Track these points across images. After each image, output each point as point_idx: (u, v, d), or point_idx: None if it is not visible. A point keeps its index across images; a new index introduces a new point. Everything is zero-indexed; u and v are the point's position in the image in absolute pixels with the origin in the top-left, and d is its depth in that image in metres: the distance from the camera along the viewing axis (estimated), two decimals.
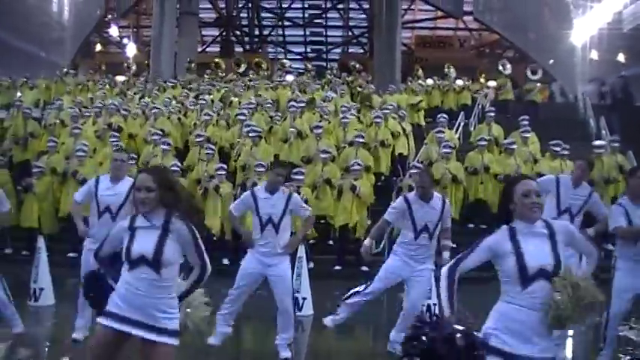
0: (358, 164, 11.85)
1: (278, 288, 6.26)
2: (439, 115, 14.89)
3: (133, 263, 3.72)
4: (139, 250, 3.72)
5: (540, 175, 11.67)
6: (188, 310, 3.86)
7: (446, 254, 6.41)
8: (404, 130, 14.59)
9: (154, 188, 3.74)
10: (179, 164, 11.99)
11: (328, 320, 6.49)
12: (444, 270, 3.80)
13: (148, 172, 3.87)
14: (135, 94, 18.29)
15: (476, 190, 12.79)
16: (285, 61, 22.77)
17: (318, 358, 7.04)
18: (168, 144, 12.83)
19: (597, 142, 13.06)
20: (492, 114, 14.78)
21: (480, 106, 18.08)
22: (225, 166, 12.25)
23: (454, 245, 11.76)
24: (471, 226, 12.64)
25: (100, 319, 3.76)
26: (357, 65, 21.80)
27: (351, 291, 6.47)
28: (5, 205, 6.97)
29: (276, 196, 6.36)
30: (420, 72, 20.21)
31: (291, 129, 13.62)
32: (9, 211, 7.33)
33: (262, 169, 11.30)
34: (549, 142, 12.86)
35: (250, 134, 12.87)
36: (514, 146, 12.81)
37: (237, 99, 16.77)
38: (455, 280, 3.75)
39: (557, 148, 12.35)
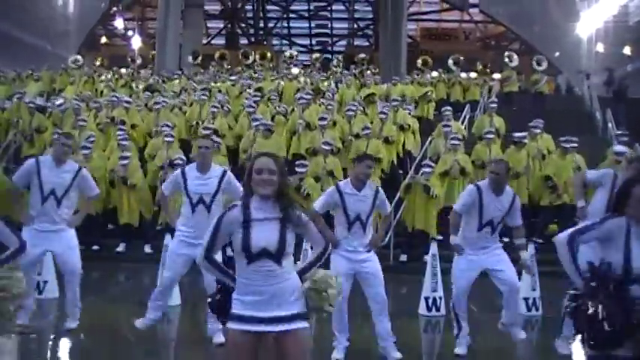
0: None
1: (374, 284, 5.96)
2: (444, 108, 14.79)
3: (253, 257, 3.58)
4: (260, 244, 3.58)
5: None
6: (310, 287, 3.70)
7: (524, 254, 6.27)
8: (409, 126, 14.53)
9: (276, 172, 3.65)
10: (183, 157, 11.95)
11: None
12: (564, 241, 3.84)
13: (268, 155, 3.75)
14: (139, 85, 18.26)
15: None
16: (292, 52, 22.66)
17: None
18: (172, 136, 12.78)
19: (618, 148, 11.76)
20: (494, 105, 14.67)
21: (484, 99, 18.01)
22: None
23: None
24: None
25: (232, 325, 3.61)
26: (364, 56, 21.72)
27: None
28: (94, 189, 6.78)
29: (364, 191, 5.98)
30: (429, 63, 20.12)
31: (300, 121, 13.59)
32: (99, 196, 7.31)
33: None
34: (555, 135, 12.80)
35: (261, 128, 12.85)
36: (525, 140, 12.40)
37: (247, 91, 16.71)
38: (575, 250, 3.83)
39: (567, 145, 12.08)
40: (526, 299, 8.23)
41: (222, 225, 3.68)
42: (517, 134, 12.57)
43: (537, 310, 8.25)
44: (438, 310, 8.13)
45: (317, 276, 3.70)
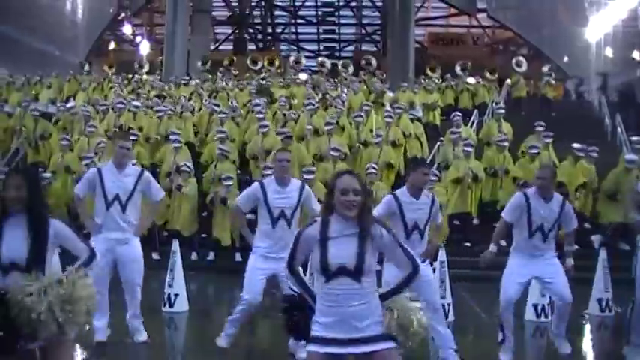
0: (374, 168, 11.74)
1: (429, 292, 5.84)
2: (453, 114, 14.75)
3: (331, 275, 3.48)
4: (338, 260, 3.47)
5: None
6: (395, 311, 3.61)
7: (569, 261, 6.14)
8: (425, 128, 14.53)
9: (360, 192, 3.53)
10: (188, 165, 11.92)
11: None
12: None
13: (351, 174, 3.64)
14: (148, 91, 18.30)
15: (492, 192, 12.65)
16: (298, 56, 22.68)
17: None
18: (179, 142, 12.78)
19: (629, 157, 11.96)
20: (502, 110, 14.65)
21: (493, 104, 17.95)
22: (232, 176, 11.93)
23: (469, 244, 11.89)
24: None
25: (313, 347, 3.50)
26: (373, 61, 21.71)
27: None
28: (159, 193, 6.58)
29: (422, 199, 5.94)
30: (431, 73, 20.12)
31: (308, 127, 13.56)
32: (163, 201, 7.12)
33: (270, 172, 11.45)
34: (563, 140, 12.74)
35: (280, 137, 12.78)
36: (537, 151, 12.35)
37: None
38: None
39: (580, 154, 12.01)
40: (535, 305, 8.21)
41: (301, 240, 3.61)
42: (530, 146, 12.56)
43: (547, 316, 8.21)
44: (447, 317, 8.08)
45: (399, 304, 3.62)
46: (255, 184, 6.20)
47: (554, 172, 6.36)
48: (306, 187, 6.27)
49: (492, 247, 6.16)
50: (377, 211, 5.87)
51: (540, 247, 6.02)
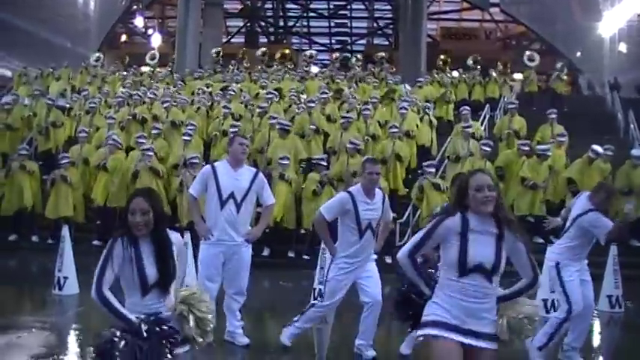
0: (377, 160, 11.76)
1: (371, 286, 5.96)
2: (462, 108, 14.78)
3: (466, 271, 3.50)
4: (477, 259, 3.50)
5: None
6: (510, 315, 3.62)
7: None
8: (430, 122, 14.54)
9: (494, 188, 3.59)
10: (197, 157, 11.97)
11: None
12: None
13: (483, 172, 3.72)
14: (159, 82, 18.37)
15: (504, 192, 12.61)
16: (311, 52, 22.65)
17: None
18: (189, 135, 12.83)
19: (635, 152, 12.07)
20: (514, 106, 14.62)
21: (505, 99, 17.90)
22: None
23: None
24: None
25: (437, 331, 3.51)
26: (383, 55, 21.68)
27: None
28: (271, 198, 6.49)
29: (376, 198, 6.01)
30: (448, 63, 20.09)
31: (312, 126, 13.57)
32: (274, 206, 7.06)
33: (287, 162, 11.62)
34: (576, 136, 12.70)
35: (277, 127, 12.86)
36: (549, 153, 12.25)
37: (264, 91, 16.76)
38: None
39: (594, 156, 11.87)
40: (545, 300, 8.21)
41: (438, 230, 3.60)
42: (540, 147, 12.47)
43: (556, 311, 8.19)
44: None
45: (522, 309, 3.66)
46: (344, 194, 6.01)
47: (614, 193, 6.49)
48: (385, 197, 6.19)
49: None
50: (330, 205, 5.96)
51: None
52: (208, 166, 6.40)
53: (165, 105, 14.75)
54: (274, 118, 13.27)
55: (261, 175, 6.40)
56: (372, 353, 5.99)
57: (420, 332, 3.63)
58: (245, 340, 6.34)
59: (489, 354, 3.54)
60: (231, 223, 6.10)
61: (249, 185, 6.18)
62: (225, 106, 14.45)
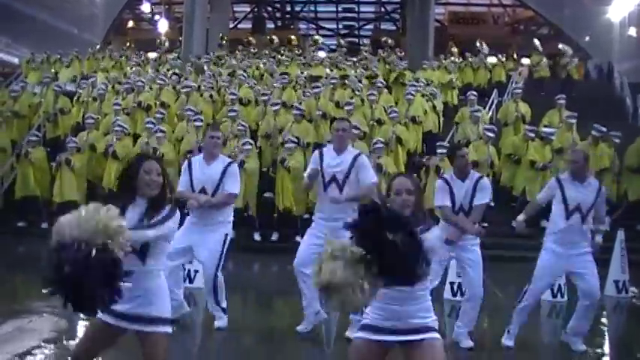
0: (381, 142, 11.86)
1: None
2: (469, 93, 14.82)
3: None
4: None
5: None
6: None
7: (599, 238, 6.13)
8: (434, 107, 14.54)
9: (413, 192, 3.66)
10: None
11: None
12: None
13: (404, 176, 3.84)
14: (168, 70, 18.38)
15: (511, 177, 12.65)
16: (317, 37, 22.62)
17: None
18: (201, 120, 12.90)
19: None
20: (519, 91, 14.59)
21: (513, 84, 17.85)
22: (251, 142, 12.33)
23: (485, 224, 11.91)
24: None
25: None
26: (390, 41, 21.61)
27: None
28: (234, 188, 6.40)
29: (345, 156, 6.11)
30: (455, 49, 20.03)
31: (318, 112, 13.61)
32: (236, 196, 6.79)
33: (292, 145, 11.71)
34: (584, 121, 12.66)
35: (294, 112, 12.96)
36: (553, 137, 12.29)
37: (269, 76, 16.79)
38: None
39: (597, 134, 11.90)
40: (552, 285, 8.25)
41: None
42: (545, 130, 12.45)
43: (562, 296, 8.24)
44: (463, 294, 8.12)
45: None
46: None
47: (587, 155, 6.28)
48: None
49: (521, 217, 6.37)
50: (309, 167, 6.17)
51: (580, 231, 6.00)
52: (186, 162, 6.61)
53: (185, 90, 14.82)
54: (278, 103, 13.33)
55: (232, 166, 6.45)
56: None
57: None
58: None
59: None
60: (205, 211, 6.24)
61: (220, 177, 6.30)
62: (232, 93, 14.47)
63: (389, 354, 3.67)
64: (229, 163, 6.44)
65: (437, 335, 3.59)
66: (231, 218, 6.53)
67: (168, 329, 3.75)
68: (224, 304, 6.51)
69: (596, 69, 22.33)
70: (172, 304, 6.30)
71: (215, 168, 6.34)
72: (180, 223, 6.05)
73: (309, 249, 5.94)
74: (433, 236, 3.51)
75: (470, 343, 6.11)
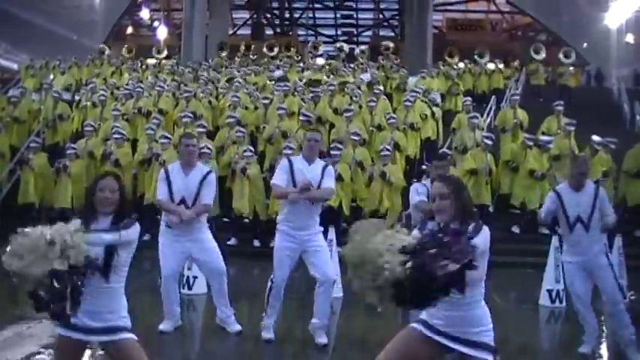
0: (387, 149, 11.86)
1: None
2: (464, 99, 14.83)
3: None
4: None
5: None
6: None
7: (608, 219, 6.00)
8: (433, 114, 14.56)
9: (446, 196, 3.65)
10: (210, 147, 12.08)
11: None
12: None
13: (439, 181, 3.75)
14: (167, 74, 18.43)
15: (510, 184, 12.65)
16: (317, 42, 22.69)
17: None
18: (204, 126, 12.94)
19: None
20: (517, 97, 14.62)
21: (511, 90, 17.92)
22: (252, 149, 12.35)
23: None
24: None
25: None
26: (391, 45, 21.71)
27: None
28: (207, 199, 6.41)
29: (314, 165, 6.19)
30: (455, 55, 20.12)
31: (310, 114, 13.64)
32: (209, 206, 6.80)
33: (290, 152, 11.63)
34: (582, 127, 12.69)
35: (301, 118, 13.04)
36: (550, 146, 12.25)
37: (271, 82, 16.82)
38: None
39: (598, 147, 11.78)
40: (550, 291, 8.26)
41: None
42: (543, 138, 12.46)
43: (561, 302, 8.25)
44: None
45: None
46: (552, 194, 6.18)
47: (587, 162, 6.30)
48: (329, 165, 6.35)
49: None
50: (276, 173, 6.18)
51: (585, 239, 5.94)
52: (162, 170, 6.59)
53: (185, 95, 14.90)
54: (283, 109, 13.36)
55: (210, 176, 6.44)
56: (323, 340, 6.15)
57: None
58: (236, 327, 6.52)
59: None
60: (185, 224, 6.24)
61: (198, 187, 6.31)
62: (234, 96, 14.53)
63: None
64: (207, 173, 6.45)
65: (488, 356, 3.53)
66: (205, 219, 6.63)
67: (134, 337, 3.85)
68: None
69: (584, 74, 22.41)
70: (174, 317, 6.48)
71: (193, 177, 6.34)
72: (153, 228, 6.15)
73: (287, 266, 6.13)
74: (481, 240, 3.46)
75: None
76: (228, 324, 6.55)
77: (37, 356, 5.63)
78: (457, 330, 3.57)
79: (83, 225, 3.62)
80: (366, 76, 17.01)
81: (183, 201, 6.29)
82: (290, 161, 6.19)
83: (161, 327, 6.45)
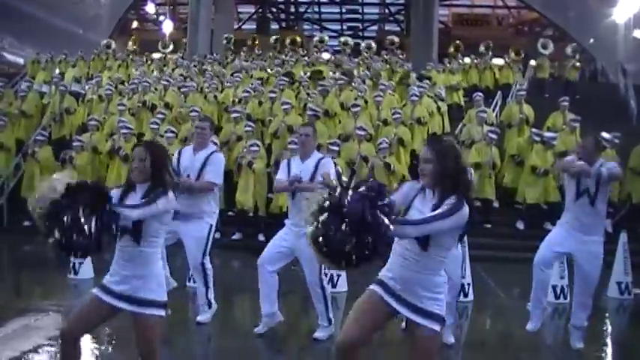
0: (386, 142, 11.90)
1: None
2: (475, 94, 14.87)
3: None
4: None
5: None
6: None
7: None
8: (439, 109, 14.56)
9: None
10: (216, 141, 12.09)
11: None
12: None
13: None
14: (173, 70, 18.46)
15: (514, 179, 12.63)
16: (322, 36, 22.65)
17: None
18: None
19: None
20: (523, 93, 14.58)
21: (517, 85, 17.87)
22: (259, 143, 12.35)
23: (489, 226, 11.98)
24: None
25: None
26: (396, 40, 21.68)
27: None
28: (214, 177, 6.57)
29: (308, 161, 6.23)
30: (460, 49, 20.10)
31: (314, 106, 13.65)
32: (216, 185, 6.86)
33: (295, 147, 11.62)
34: (588, 122, 12.67)
35: (308, 113, 13.00)
36: (555, 142, 12.08)
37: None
38: None
39: (609, 145, 11.52)
40: (554, 287, 8.28)
41: (403, 187, 3.86)
42: (547, 134, 12.43)
43: (565, 298, 8.26)
44: (466, 295, 8.16)
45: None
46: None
47: (597, 142, 6.17)
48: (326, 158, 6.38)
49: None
50: (278, 173, 6.34)
51: (588, 214, 5.90)
52: (176, 151, 6.86)
53: (184, 90, 14.94)
54: (288, 103, 13.36)
55: (215, 155, 6.61)
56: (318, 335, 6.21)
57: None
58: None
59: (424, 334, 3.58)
60: (190, 200, 6.37)
61: (201, 165, 6.48)
62: (245, 90, 14.63)
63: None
64: (212, 152, 6.62)
65: (436, 327, 3.58)
66: (217, 210, 6.72)
67: (162, 312, 3.87)
68: (211, 296, 6.66)
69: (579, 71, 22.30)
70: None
71: (199, 157, 6.54)
72: None
73: (275, 249, 6.21)
74: (452, 219, 3.48)
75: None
76: (200, 311, 6.66)
77: (44, 348, 5.67)
78: (411, 293, 3.61)
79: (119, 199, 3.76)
80: (377, 65, 17.05)
81: (187, 177, 6.48)
82: (289, 161, 6.38)
83: None
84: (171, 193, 3.87)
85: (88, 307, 3.91)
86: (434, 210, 3.52)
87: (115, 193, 3.80)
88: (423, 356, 3.58)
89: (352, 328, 3.62)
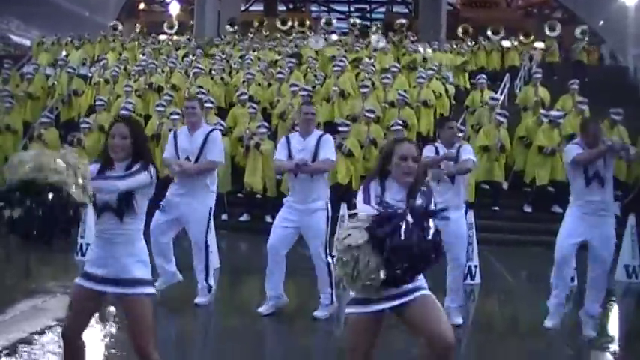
0: (399, 124, 11.84)
1: None
2: (478, 76, 14.81)
3: None
4: None
5: None
6: None
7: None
8: (447, 91, 14.50)
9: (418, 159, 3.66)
10: (222, 123, 12.08)
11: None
12: None
13: (410, 141, 3.77)
14: (177, 49, 18.42)
15: (524, 162, 12.58)
16: (329, 18, 22.53)
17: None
18: (211, 102, 12.90)
19: None
20: (539, 75, 14.48)
21: (525, 68, 17.74)
22: (266, 124, 12.32)
23: (497, 208, 11.94)
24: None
25: None
26: (404, 21, 21.55)
27: None
28: (216, 155, 6.54)
29: (309, 139, 6.20)
30: (469, 32, 19.97)
31: (334, 87, 13.61)
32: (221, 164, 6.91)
33: None
34: (597, 105, 12.58)
35: (301, 93, 12.88)
36: (561, 120, 12.07)
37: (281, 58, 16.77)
38: None
39: (617, 118, 11.75)
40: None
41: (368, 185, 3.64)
42: (554, 113, 12.36)
43: (573, 281, 8.24)
44: (473, 278, 8.16)
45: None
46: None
47: (599, 127, 6.08)
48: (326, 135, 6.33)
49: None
50: (277, 152, 6.31)
51: (596, 195, 5.85)
52: (172, 133, 6.83)
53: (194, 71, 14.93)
54: (295, 85, 13.31)
55: (213, 134, 6.57)
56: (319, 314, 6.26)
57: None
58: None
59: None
60: (189, 179, 6.44)
61: (201, 146, 6.45)
62: (248, 73, 14.51)
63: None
64: (211, 131, 6.60)
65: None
66: (215, 188, 6.70)
67: (152, 290, 3.74)
68: (212, 281, 6.67)
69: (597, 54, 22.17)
70: (166, 275, 6.58)
71: (197, 137, 6.50)
72: (165, 188, 6.21)
73: (282, 231, 6.17)
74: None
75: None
76: (199, 293, 6.64)
77: (52, 329, 5.69)
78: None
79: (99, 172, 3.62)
80: (381, 44, 16.96)
81: (187, 160, 6.48)
82: (287, 137, 6.33)
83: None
84: (152, 167, 3.74)
85: (76, 300, 3.75)
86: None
87: (92, 168, 3.62)
88: None
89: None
